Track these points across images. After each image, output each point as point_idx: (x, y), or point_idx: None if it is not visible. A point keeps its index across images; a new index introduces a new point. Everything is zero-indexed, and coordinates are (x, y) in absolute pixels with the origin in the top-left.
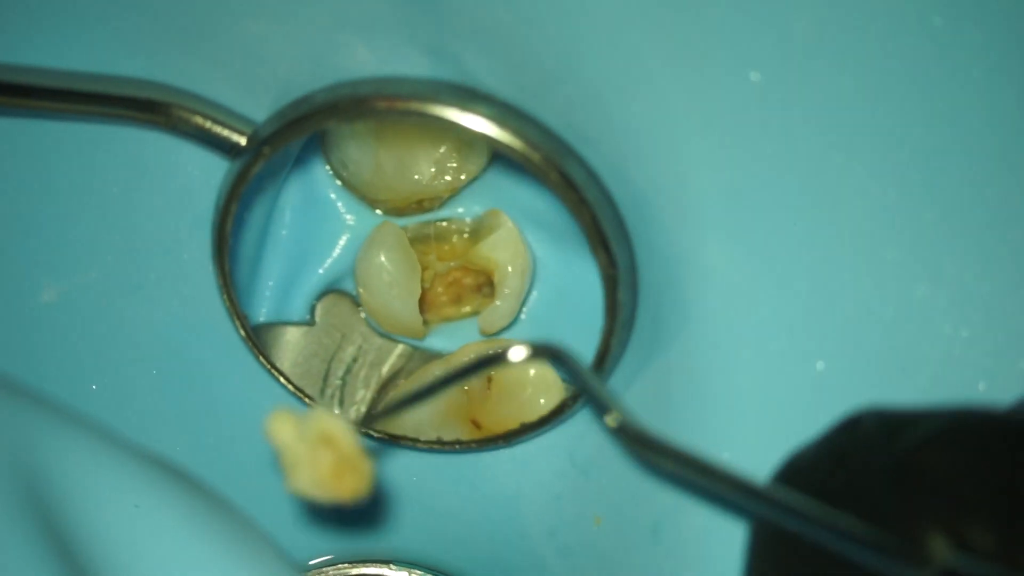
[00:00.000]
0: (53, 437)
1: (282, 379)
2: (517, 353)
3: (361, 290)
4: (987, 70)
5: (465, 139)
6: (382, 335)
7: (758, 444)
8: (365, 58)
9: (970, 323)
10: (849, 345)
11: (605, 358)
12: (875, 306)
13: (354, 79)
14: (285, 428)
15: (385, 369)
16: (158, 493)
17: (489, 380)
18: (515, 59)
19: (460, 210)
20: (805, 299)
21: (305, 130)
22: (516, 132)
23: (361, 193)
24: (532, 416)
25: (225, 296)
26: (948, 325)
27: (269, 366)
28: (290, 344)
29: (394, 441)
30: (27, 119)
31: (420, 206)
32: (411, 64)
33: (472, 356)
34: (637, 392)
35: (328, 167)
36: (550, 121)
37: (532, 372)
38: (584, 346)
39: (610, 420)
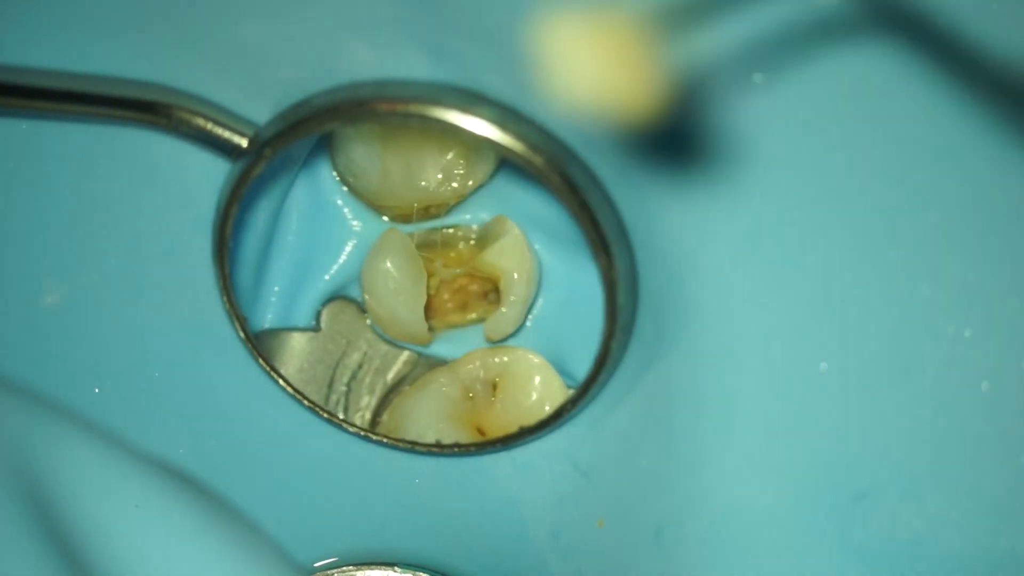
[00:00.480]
0: (55, 439)
1: (282, 382)
2: None
3: (367, 297)
4: (991, 70)
5: (469, 143)
6: (387, 341)
7: (762, 446)
8: (367, 59)
9: (973, 323)
10: (852, 346)
11: (605, 361)
12: (878, 306)
13: (355, 81)
14: (558, 30)
15: (390, 376)
16: (160, 495)
17: (494, 387)
18: (517, 60)
19: (467, 216)
20: (808, 300)
21: (306, 132)
22: (518, 135)
23: (368, 199)
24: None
25: (225, 298)
26: (951, 325)
27: (269, 369)
28: (295, 350)
29: (393, 444)
30: (28, 120)
31: (427, 212)
32: (413, 65)
33: (477, 363)
34: (640, 396)
35: (335, 173)
36: (552, 124)
37: (537, 379)
38: (590, 353)
39: None
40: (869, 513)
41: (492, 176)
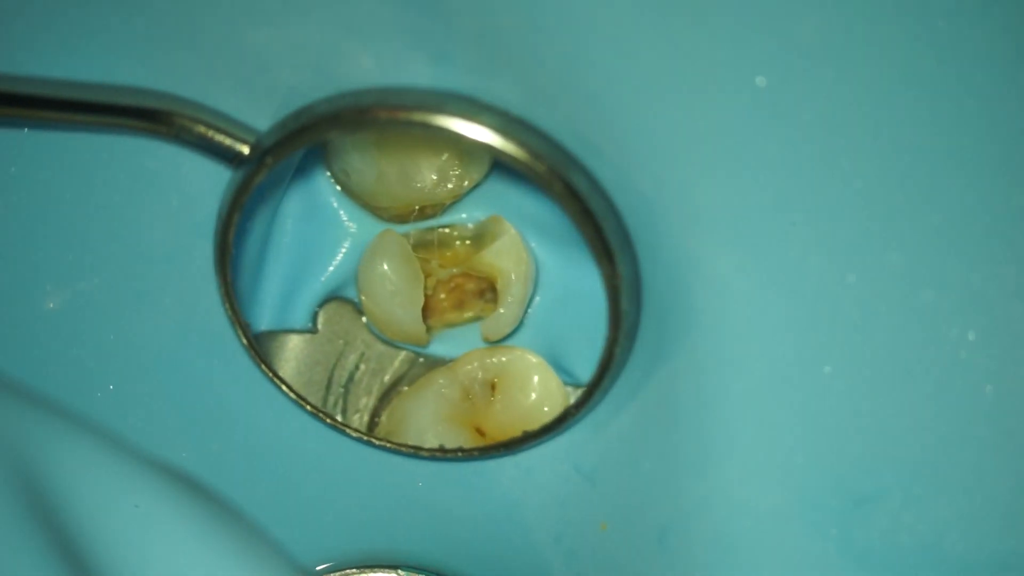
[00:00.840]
0: (57, 441)
1: (283, 387)
2: None
3: (364, 298)
4: (991, 73)
5: (467, 147)
6: (384, 342)
7: (765, 450)
8: (369, 66)
9: (976, 326)
10: (856, 349)
11: (608, 366)
12: (881, 310)
13: (357, 89)
14: None
15: (387, 376)
16: (163, 498)
17: (492, 387)
18: (520, 66)
19: (463, 216)
20: (811, 304)
21: (308, 140)
22: (520, 143)
23: (363, 201)
24: (536, 424)
25: (227, 305)
26: (954, 328)
27: (271, 374)
28: (293, 352)
29: (396, 449)
30: (30, 129)
31: (422, 213)
32: (415, 72)
33: (475, 364)
34: (643, 400)
35: (329, 175)
36: (555, 130)
37: (536, 379)
38: (587, 351)
39: None
40: (872, 517)
41: (487, 176)
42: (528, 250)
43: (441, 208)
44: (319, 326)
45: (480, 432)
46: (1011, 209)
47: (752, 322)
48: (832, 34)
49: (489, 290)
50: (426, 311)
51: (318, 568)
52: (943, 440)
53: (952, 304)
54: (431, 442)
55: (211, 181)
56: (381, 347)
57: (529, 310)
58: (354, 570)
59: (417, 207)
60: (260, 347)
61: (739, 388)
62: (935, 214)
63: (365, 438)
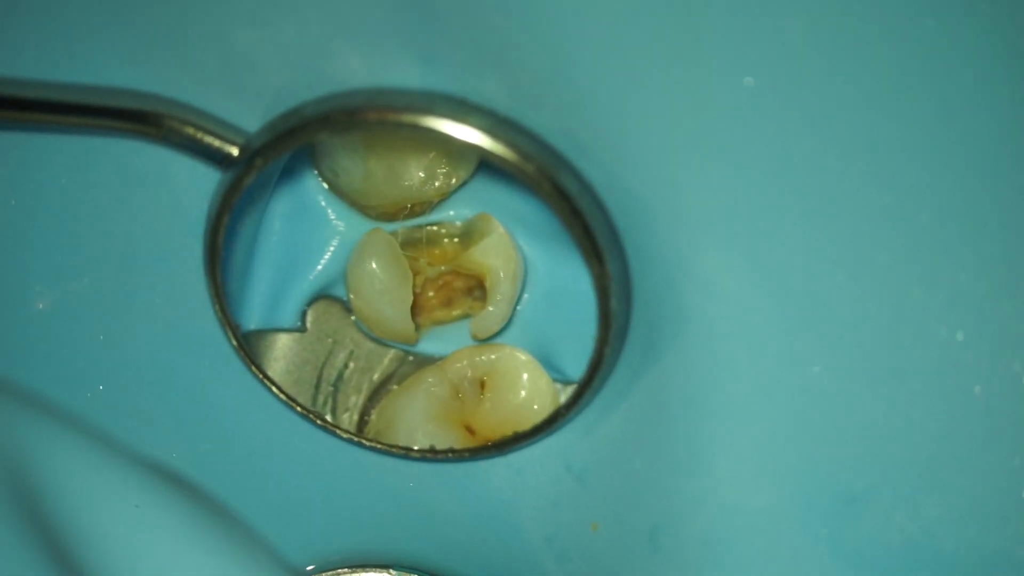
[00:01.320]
0: (49, 443)
1: (274, 388)
2: None
3: (352, 296)
4: (980, 72)
5: (456, 147)
6: (373, 340)
7: (755, 450)
8: (357, 66)
9: (965, 326)
10: (845, 349)
11: (598, 366)
12: (870, 310)
13: (346, 90)
14: None
15: (377, 375)
16: (154, 498)
17: (482, 385)
18: (509, 67)
19: (451, 213)
20: (801, 303)
21: (297, 142)
22: (509, 143)
23: (351, 200)
24: (526, 421)
25: (217, 306)
26: (943, 328)
27: (261, 375)
28: (282, 351)
29: (387, 450)
30: (19, 131)
31: (410, 210)
32: (404, 72)
33: (464, 362)
34: (634, 399)
35: (317, 174)
36: (544, 130)
37: (525, 376)
38: (577, 348)
39: None
40: (862, 516)
41: (474, 173)
42: (516, 247)
43: (429, 206)
44: (308, 325)
45: (470, 430)
46: (1000, 208)
47: (742, 322)
48: (820, 34)
49: (478, 288)
50: (415, 309)
51: (308, 568)
52: (932, 439)
53: (941, 304)
54: (421, 441)
55: (200, 182)
56: (370, 345)
57: (518, 308)
58: (345, 570)
59: (405, 205)
60: (249, 347)
61: (729, 388)
62: (923, 213)
63: (355, 439)
